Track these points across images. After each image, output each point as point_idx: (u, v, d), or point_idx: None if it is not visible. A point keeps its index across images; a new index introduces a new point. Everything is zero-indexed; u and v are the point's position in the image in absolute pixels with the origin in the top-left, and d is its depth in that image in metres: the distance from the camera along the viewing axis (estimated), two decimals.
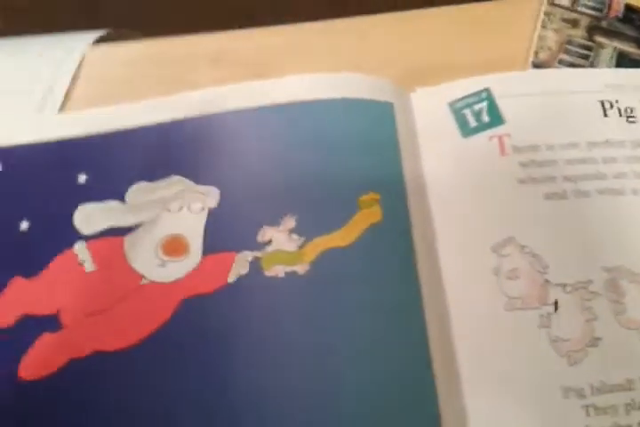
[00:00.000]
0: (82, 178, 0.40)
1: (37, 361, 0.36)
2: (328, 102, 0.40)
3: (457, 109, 0.40)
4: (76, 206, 0.39)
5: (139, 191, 0.39)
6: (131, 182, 0.40)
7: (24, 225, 0.39)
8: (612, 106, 0.40)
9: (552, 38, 0.44)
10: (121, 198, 0.39)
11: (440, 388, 0.33)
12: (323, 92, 0.40)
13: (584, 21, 0.45)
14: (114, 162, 0.40)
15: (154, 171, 0.40)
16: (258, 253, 0.37)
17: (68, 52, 0.43)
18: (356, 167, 0.38)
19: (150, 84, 0.42)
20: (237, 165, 0.39)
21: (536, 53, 0.44)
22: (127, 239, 0.38)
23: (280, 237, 0.37)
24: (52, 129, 0.42)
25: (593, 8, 0.45)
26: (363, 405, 0.33)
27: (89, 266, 0.38)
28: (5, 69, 0.45)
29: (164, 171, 0.39)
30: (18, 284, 0.38)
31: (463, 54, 0.43)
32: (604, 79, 0.41)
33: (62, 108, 0.42)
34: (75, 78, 0.43)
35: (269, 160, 0.39)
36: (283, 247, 0.37)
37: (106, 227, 0.39)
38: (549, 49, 0.44)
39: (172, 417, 0.34)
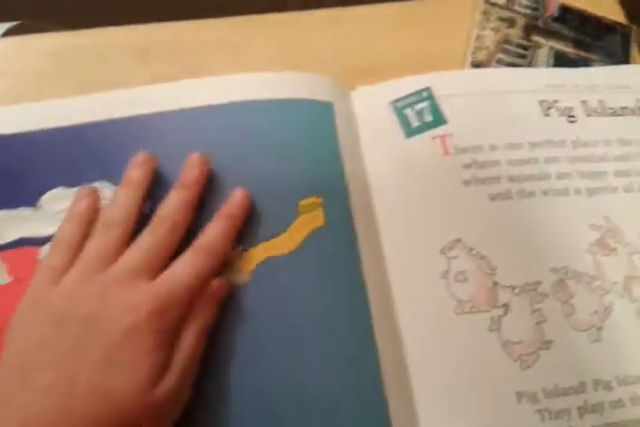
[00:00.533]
0: None
1: None
2: (263, 103, 0.38)
3: (399, 109, 0.39)
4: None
5: (54, 198, 0.36)
6: (46, 188, 0.36)
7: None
8: (551, 106, 0.40)
9: (490, 37, 0.44)
10: (34, 206, 0.36)
11: (390, 397, 0.32)
12: (258, 92, 0.38)
13: (520, 21, 0.45)
14: (26, 165, 0.37)
15: (73, 176, 0.37)
16: None
17: None
18: (296, 170, 0.37)
19: (70, 80, 0.39)
20: (166, 172, 0.36)
21: (474, 53, 0.43)
22: (43, 249, 0.35)
23: None
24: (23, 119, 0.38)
25: (528, 7, 0.45)
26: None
27: (1, 278, 0.35)
28: None
29: (87, 176, 0.37)
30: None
31: (402, 52, 0.42)
32: (543, 79, 0.41)
33: None
34: None
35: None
36: None
37: (17, 238, 0.36)
38: (487, 48, 0.43)
39: None
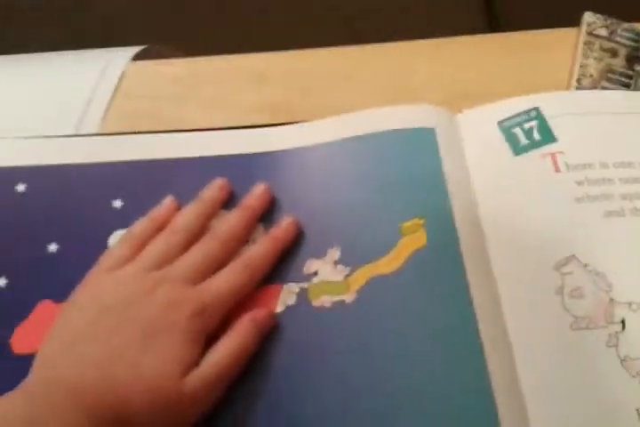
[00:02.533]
0: (117, 203, 0.39)
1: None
2: (367, 137, 0.40)
3: (507, 128, 0.40)
4: (110, 231, 0.38)
5: None
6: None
7: (52, 247, 0.38)
8: None
9: (593, 66, 0.44)
10: None
11: (503, 417, 0.31)
12: (360, 127, 0.41)
13: (622, 51, 0.45)
14: (153, 191, 0.39)
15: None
16: (304, 285, 0.36)
17: (107, 66, 0.42)
18: (398, 196, 0.38)
19: (194, 104, 0.42)
20: (280, 201, 0.39)
21: (579, 80, 0.44)
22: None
23: (326, 269, 0.36)
24: (91, 151, 0.41)
25: (630, 39, 0.46)
26: None
27: None
28: (41, 83, 0.45)
29: None
30: (45, 307, 0.37)
31: (506, 80, 0.43)
32: None
33: (101, 123, 0.41)
34: (114, 94, 0.42)
35: (312, 195, 0.39)
36: (328, 278, 0.36)
37: None
38: (591, 76, 0.44)
39: None
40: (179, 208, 0.38)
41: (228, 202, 0.39)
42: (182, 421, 0.31)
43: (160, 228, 0.37)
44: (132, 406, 0.30)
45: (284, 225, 0.37)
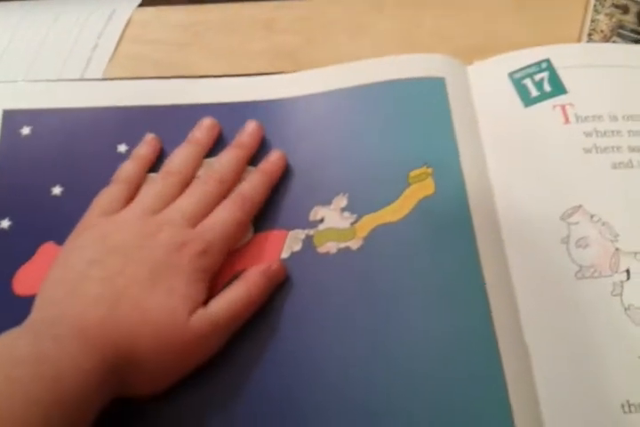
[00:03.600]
0: (122, 148, 0.39)
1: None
2: (377, 85, 0.40)
3: (517, 80, 0.39)
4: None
5: None
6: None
7: (56, 190, 0.38)
8: None
9: (604, 22, 0.44)
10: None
11: (507, 366, 0.31)
12: (373, 75, 0.40)
13: (634, 8, 0.45)
14: (158, 136, 0.39)
15: None
16: (310, 231, 0.36)
17: (114, 12, 0.42)
18: (407, 144, 0.38)
19: (200, 49, 0.41)
20: (288, 148, 0.39)
21: (589, 35, 0.43)
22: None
23: (332, 216, 0.36)
24: (96, 95, 0.41)
25: None
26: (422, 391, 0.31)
27: None
28: (48, 29, 0.44)
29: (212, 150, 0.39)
30: (48, 249, 0.36)
31: (517, 33, 0.43)
32: None
33: (106, 69, 0.41)
34: (120, 40, 0.42)
35: (321, 142, 0.39)
36: (335, 225, 0.36)
37: None
38: (602, 32, 0.44)
39: None
40: (161, 145, 0.39)
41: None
42: (187, 362, 0.31)
43: (147, 166, 0.37)
44: (138, 345, 0.30)
45: (272, 159, 0.38)
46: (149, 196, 0.36)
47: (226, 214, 0.35)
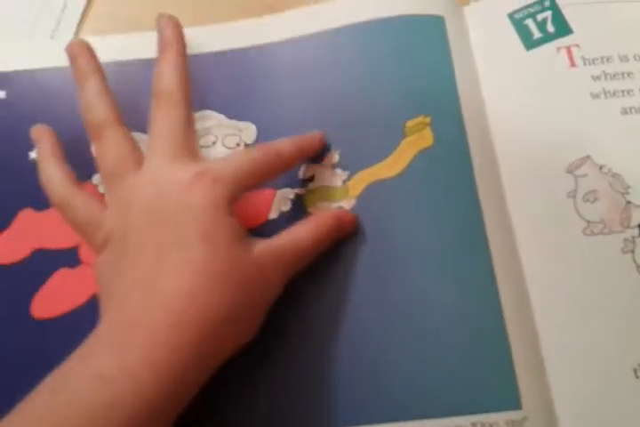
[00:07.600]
0: None
1: (51, 299, 0.33)
2: (369, 23, 0.37)
3: (518, 20, 0.36)
4: None
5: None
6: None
7: (34, 154, 0.36)
8: None
9: None
10: (144, 131, 0.35)
11: (511, 325, 0.30)
12: (364, 12, 0.37)
13: None
14: (138, 92, 0.36)
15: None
16: (300, 191, 0.34)
17: None
18: (403, 92, 0.35)
19: (175, 5, 0.39)
20: (274, 100, 0.37)
21: None
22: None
23: (323, 173, 0.34)
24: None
25: None
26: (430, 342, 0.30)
27: None
28: None
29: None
30: (27, 216, 0.35)
31: None
32: None
33: (78, 28, 0.39)
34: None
35: (307, 93, 0.36)
36: (326, 183, 0.34)
37: None
38: None
39: None
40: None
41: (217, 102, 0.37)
42: (255, 298, 0.28)
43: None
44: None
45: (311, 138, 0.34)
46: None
47: (243, 154, 0.33)
